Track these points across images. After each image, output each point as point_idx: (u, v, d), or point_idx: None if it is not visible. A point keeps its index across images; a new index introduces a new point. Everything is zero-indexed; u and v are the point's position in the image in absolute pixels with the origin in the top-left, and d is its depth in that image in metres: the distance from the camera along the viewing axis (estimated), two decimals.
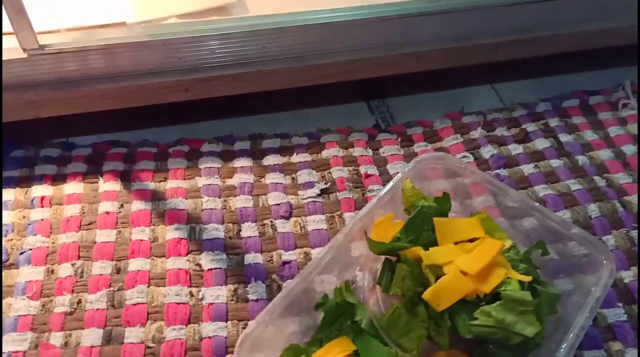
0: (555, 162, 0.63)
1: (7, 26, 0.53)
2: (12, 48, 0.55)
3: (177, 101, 0.62)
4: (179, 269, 0.52)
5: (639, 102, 0.71)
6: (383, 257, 0.50)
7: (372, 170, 0.62)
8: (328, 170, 0.62)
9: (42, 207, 0.56)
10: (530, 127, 0.67)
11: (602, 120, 0.69)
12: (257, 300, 0.50)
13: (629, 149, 0.65)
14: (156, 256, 0.53)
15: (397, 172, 0.59)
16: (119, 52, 0.58)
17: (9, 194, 0.57)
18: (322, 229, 0.56)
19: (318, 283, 0.48)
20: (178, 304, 0.49)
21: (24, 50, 0.55)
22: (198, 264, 0.52)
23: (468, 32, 0.65)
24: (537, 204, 0.50)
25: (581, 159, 0.63)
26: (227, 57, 0.60)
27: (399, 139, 0.66)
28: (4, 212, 0.55)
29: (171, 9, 0.64)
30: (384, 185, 0.59)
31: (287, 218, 0.57)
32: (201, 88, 0.61)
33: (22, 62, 0.56)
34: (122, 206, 0.57)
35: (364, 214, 0.50)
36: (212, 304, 0.49)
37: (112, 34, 0.59)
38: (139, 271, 0.52)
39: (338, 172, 0.61)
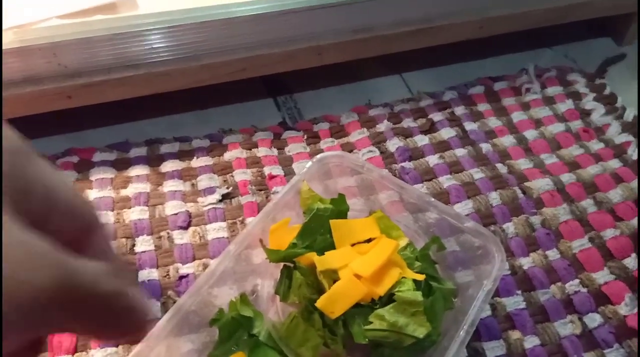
0: (460, 151, 0.63)
1: None
2: None
3: (63, 109, 0.58)
4: None
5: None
6: (282, 264, 0.48)
7: (277, 170, 0.60)
8: (230, 174, 0.59)
9: None
10: (436, 116, 0.67)
11: (506, 106, 0.69)
12: (151, 320, 0.47)
13: (531, 134, 0.66)
14: None
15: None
16: None
17: None
18: (223, 237, 0.54)
19: (215, 297, 0.46)
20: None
21: None
22: None
23: (365, 24, 0.63)
24: (432, 199, 0.49)
25: (485, 147, 0.64)
26: (112, 60, 0.56)
27: (305, 136, 0.64)
28: None
29: (51, 9, 0.59)
30: None
31: (186, 228, 0.54)
32: (85, 94, 0.57)
33: None
34: None
35: (259, 220, 0.48)
36: None
37: None
38: None
39: (241, 175, 0.59)
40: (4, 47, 0.53)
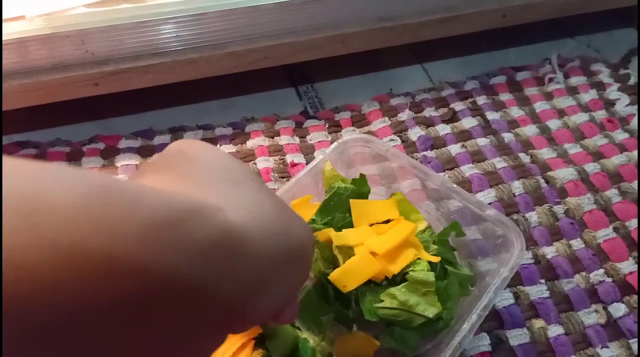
0: (482, 141, 0.63)
1: None
2: None
3: (89, 96, 0.58)
4: None
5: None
6: None
7: (299, 158, 0.61)
8: (253, 161, 0.60)
9: None
10: (458, 106, 0.67)
11: (528, 96, 0.69)
12: None
13: (554, 124, 0.65)
14: None
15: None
16: (19, 47, 0.54)
17: None
18: None
19: None
20: None
21: None
22: None
23: (390, 13, 0.63)
24: (455, 186, 0.49)
25: (507, 136, 0.63)
26: (139, 47, 0.57)
27: (327, 125, 0.65)
28: None
29: None
30: None
31: None
32: (112, 81, 0.57)
33: None
34: None
35: (280, 195, 0.48)
36: None
37: (10, 29, 0.54)
38: None
39: (263, 163, 0.60)
40: (33, 34, 0.54)
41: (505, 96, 0.69)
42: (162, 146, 0.61)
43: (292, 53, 0.62)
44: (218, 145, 0.61)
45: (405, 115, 0.65)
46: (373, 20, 0.63)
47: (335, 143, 0.51)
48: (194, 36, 0.59)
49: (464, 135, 0.63)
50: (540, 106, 0.67)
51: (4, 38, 0.53)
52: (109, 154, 0.59)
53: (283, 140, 0.62)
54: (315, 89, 0.71)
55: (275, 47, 0.61)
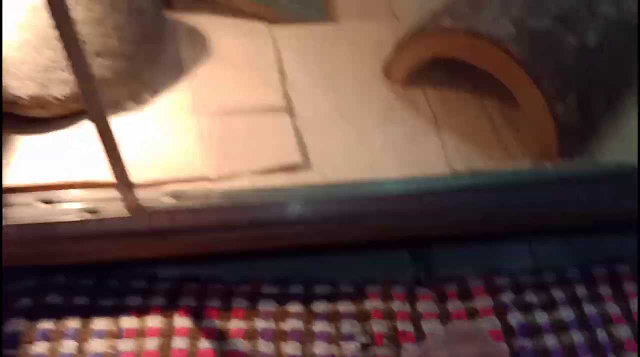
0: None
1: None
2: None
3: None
4: None
5: None
6: None
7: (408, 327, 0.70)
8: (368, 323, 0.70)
9: (129, 338, 0.67)
10: (557, 293, 0.73)
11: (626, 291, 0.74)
12: None
13: None
14: None
15: None
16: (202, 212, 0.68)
17: (101, 323, 0.68)
18: None
19: None
20: None
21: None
22: None
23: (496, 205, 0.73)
24: None
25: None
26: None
27: (435, 295, 0.74)
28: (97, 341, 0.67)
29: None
30: None
31: None
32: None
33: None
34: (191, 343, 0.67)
35: None
36: None
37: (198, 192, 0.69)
38: None
39: None
40: (217, 204, 0.69)
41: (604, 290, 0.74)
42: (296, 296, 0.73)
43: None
44: None
45: (507, 297, 0.73)
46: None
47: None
48: None
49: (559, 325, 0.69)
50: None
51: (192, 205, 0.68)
52: (254, 297, 0.72)
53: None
54: (428, 256, 0.80)
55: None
